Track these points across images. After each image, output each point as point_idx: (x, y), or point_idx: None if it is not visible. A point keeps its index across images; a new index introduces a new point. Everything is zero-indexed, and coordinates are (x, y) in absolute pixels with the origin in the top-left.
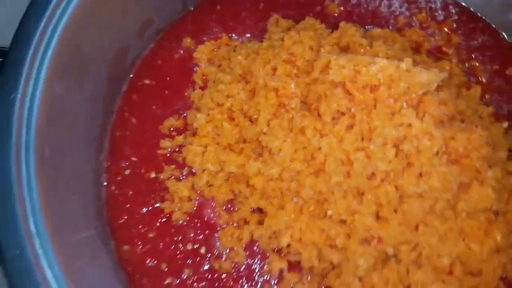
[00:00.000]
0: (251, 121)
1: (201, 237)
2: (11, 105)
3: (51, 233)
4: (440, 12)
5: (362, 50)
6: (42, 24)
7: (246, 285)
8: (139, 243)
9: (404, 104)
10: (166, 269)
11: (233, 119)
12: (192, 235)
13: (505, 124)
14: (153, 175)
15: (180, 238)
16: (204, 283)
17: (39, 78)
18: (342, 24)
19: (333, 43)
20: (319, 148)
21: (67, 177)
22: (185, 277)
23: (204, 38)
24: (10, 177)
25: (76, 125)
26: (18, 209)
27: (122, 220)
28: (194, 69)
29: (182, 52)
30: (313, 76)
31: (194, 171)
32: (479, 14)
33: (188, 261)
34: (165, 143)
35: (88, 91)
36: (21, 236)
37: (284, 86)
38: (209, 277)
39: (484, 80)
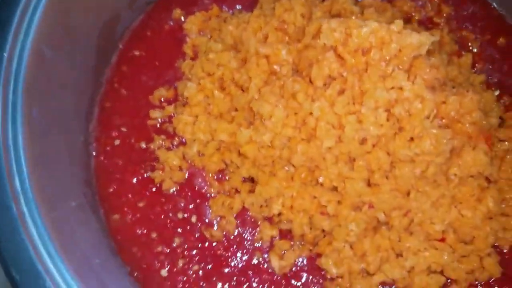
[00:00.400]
0: (242, 90)
1: (191, 206)
2: None
3: (37, 194)
4: None
5: (353, 17)
6: None
7: (237, 253)
8: (129, 212)
9: (396, 67)
10: (157, 237)
11: (224, 88)
12: (182, 204)
13: (496, 92)
14: (143, 145)
15: (170, 207)
16: (195, 251)
17: (27, 39)
18: None
19: (324, 10)
20: (311, 113)
21: (55, 143)
22: (175, 245)
23: (194, 9)
24: None
25: (64, 92)
26: (3, 165)
27: (112, 189)
28: (185, 40)
29: (172, 23)
30: (304, 42)
31: (184, 141)
32: None
33: (178, 230)
34: (155, 113)
35: (77, 60)
36: (6, 192)
37: (276, 53)
38: (199, 245)
39: (475, 50)
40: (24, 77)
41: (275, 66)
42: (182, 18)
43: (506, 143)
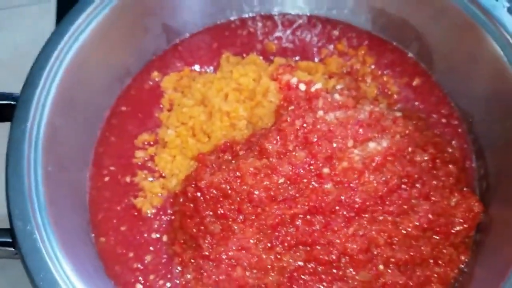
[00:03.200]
0: (209, 137)
1: (164, 226)
2: (23, 133)
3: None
4: (355, 40)
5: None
6: (44, 74)
7: None
8: (113, 235)
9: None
10: (133, 256)
11: (195, 135)
12: (156, 225)
13: None
14: (128, 179)
15: (146, 228)
16: (162, 266)
17: (43, 114)
18: (276, 59)
19: (269, 74)
20: None
21: (62, 184)
22: (147, 261)
23: (169, 71)
24: (24, 183)
25: (70, 148)
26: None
27: (100, 217)
28: (162, 95)
29: (151, 83)
30: (256, 100)
31: (164, 175)
32: (387, 39)
33: (151, 248)
34: (140, 153)
35: (80, 123)
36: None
37: (235, 110)
38: (166, 260)
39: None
40: (42, 142)
41: (234, 120)
42: (159, 79)
43: None
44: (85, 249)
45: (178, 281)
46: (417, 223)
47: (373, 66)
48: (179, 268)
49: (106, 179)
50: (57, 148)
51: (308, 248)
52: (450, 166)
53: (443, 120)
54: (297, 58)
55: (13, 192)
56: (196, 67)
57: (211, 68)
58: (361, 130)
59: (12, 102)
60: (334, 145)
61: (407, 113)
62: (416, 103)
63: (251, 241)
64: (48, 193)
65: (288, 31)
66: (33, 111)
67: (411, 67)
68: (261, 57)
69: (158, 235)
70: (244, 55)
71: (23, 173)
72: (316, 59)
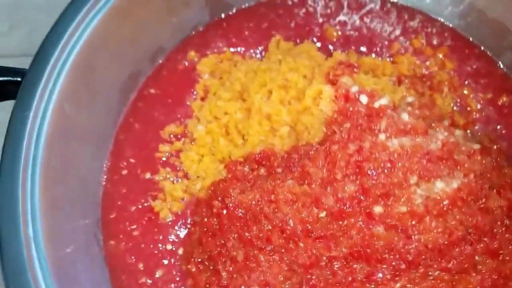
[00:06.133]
0: (243, 139)
1: (181, 238)
2: (24, 121)
3: (46, 236)
4: (435, 37)
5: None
6: (58, 50)
7: None
8: (124, 239)
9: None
10: (143, 267)
11: (229, 134)
12: (173, 236)
13: None
14: (148, 176)
15: (161, 237)
16: (173, 285)
17: (51, 99)
18: (336, 54)
19: (325, 72)
20: None
21: (69, 182)
22: (157, 277)
23: (208, 52)
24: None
25: (83, 139)
26: (20, 214)
27: (113, 216)
28: (197, 80)
29: (186, 63)
30: (304, 105)
31: (189, 176)
32: (475, 41)
33: (164, 261)
34: (164, 148)
35: (98, 109)
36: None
37: (277, 113)
38: (177, 279)
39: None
40: (46, 133)
41: (275, 125)
42: (196, 59)
43: None
44: (88, 250)
45: None
46: (478, 285)
47: (452, 73)
48: None
49: (124, 172)
50: (65, 140)
51: None
52: None
53: None
54: (362, 49)
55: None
56: (240, 50)
57: (257, 53)
58: (429, 165)
59: (19, 79)
60: (394, 180)
61: (486, 141)
62: (499, 127)
63: (278, 278)
64: (45, 197)
65: (355, 16)
66: (39, 95)
67: (499, 81)
68: (318, 45)
69: (173, 248)
70: (298, 40)
71: (18, 175)
72: (385, 55)
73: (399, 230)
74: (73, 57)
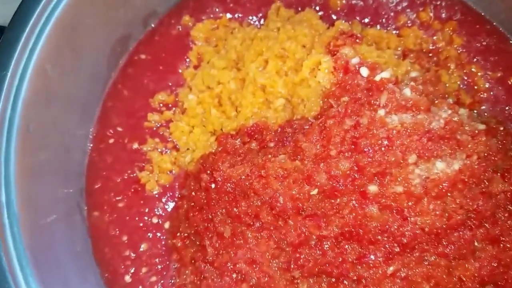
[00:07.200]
0: (236, 111)
1: (168, 211)
2: (1, 81)
3: (21, 205)
4: (444, 11)
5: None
6: (40, 7)
7: None
8: (108, 210)
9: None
10: (127, 240)
11: (221, 105)
12: (159, 209)
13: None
14: (135, 146)
15: (147, 210)
16: (158, 259)
17: (30, 59)
18: (338, 23)
19: (325, 42)
20: None
21: (49, 150)
22: (141, 250)
23: (203, 17)
24: None
25: (68, 103)
26: None
27: (97, 186)
28: (191, 47)
29: (180, 28)
30: (301, 76)
31: (178, 147)
32: (487, 16)
33: (148, 235)
34: (153, 117)
35: (84, 73)
36: None
37: (272, 85)
38: (163, 254)
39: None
40: (24, 95)
41: (270, 96)
42: (191, 24)
43: None
44: (69, 231)
45: (172, 281)
46: (476, 273)
47: (461, 49)
48: (177, 265)
49: (111, 141)
50: (45, 104)
51: (333, 281)
52: None
53: None
54: (366, 20)
55: None
56: (238, 16)
57: (256, 20)
58: (429, 144)
59: None
60: (391, 158)
61: (493, 122)
62: (507, 108)
63: (266, 256)
64: (23, 163)
65: None
66: (18, 54)
67: (511, 59)
68: (320, 13)
69: (160, 221)
70: (300, 8)
71: None
72: (391, 27)
73: (394, 211)
74: (57, 15)
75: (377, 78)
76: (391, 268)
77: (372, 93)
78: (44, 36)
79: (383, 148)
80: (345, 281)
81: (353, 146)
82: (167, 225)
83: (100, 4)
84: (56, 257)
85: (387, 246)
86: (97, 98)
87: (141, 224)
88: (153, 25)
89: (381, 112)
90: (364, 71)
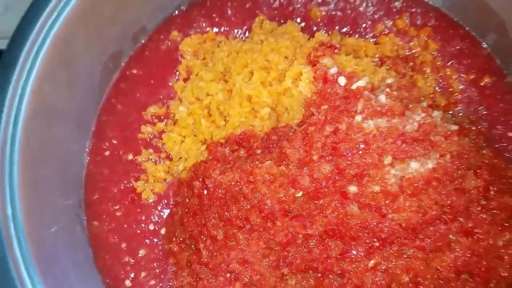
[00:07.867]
0: (225, 120)
1: (163, 218)
2: (2, 101)
3: (26, 217)
4: (419, 18)
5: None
6: (35, 30)
7: None
8: (107, 220)
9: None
10: (126, 247)
11: (210, 115)
12: (155, 216)
13: None
14: (130, 157)
15: (144, 218)
16: (156, 263)
17: (29, 79)
18: (318, 34)
19: (306, 53)
20: None
21: (50, 163)
22: (140, 256)
23: (191, 32)
24: None
25: (65, 118)
26: None
27: (96, 197)
28: (180, 61)
29: (169, 44)
30: (284, 86)
31: (171, 156)
32: (459, 21)
33: (146, 241)
34: (146, 129)
35: (79, 89)
36: None
37: (258, 95)
38: (160, 258)
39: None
40: (24, 113)
41: (256, 106)
42: (179, 39)
43: None
44: (71, 241)
45: (170, 284)
46: (451, 263)
47: (436, 54)
48: (174, 268)
49: (107, 153)
50: (45, 119)
51: (319, 275)
52: (506, 197)
53: (510, 134)
54: (345, 30)
55: None
56: (224, 30)
57: (241, 33)
58: (404, 146)
59: None
60: (368, 160)
61: (466, 122)
62: (480, 108)
63: (257, 255)
64: (25, 177)
65: None
66: (17, 75)
67: (482, 62)
68: (302, 25)
69: (156, 227)
70: (282, 20)
71: None
72: (369, 36)
73: (373, 209)
74: (52, 37)
75: (354, 86)
76: (372, 262)
77: (349, 100)
78: (40, 57)
79: (360, 152)
80: (330, 276)
81: (333, 151)
82: (163, 231)
83: (93, 23)
84: (60, 265)
85: (367, 241)
86: (92, 113)
87: (139, 231)
88: (143, 41)
89: (358, 118)
90: (342, 80)
